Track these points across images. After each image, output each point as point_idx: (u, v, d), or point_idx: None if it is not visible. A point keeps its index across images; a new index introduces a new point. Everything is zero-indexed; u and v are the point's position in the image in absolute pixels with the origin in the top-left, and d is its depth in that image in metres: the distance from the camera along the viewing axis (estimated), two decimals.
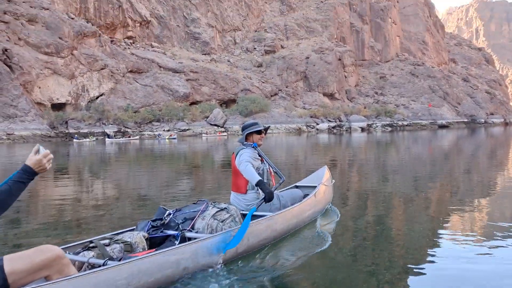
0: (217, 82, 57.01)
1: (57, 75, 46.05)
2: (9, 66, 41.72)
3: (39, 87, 44.79)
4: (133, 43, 59.64)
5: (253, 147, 3.85)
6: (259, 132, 3.96)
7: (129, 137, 40.61)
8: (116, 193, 7.05)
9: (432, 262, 3.13)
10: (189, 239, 3.04)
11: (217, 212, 3.28)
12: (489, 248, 3.45)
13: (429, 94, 76.55)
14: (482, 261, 3.14)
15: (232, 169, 3.97)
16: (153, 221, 3.24)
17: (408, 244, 3.60)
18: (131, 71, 53.07)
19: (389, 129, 58.20)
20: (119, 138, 39.73)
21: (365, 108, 65.63)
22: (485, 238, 3.72)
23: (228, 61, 67.22)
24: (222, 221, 3.23)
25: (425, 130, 55.24)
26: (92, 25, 53.46)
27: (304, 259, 3.26)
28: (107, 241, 2.76)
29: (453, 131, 46.80)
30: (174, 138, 36.71)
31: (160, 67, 55.23)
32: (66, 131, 42.83)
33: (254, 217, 3.63)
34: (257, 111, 52.96)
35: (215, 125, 49.80)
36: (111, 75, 50.48)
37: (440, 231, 4.01)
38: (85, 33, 50.23)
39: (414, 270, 2.97)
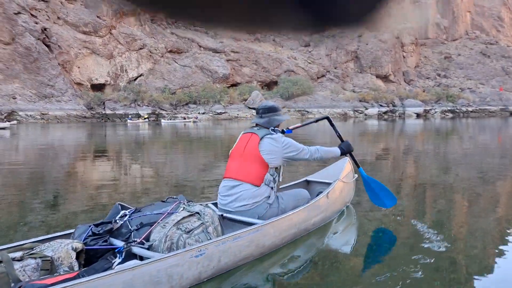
0: (259, 63, 56.32)
1: (96, 55, 47.56)
2: (48, 46, 43.56)
3: (78, 67, 46.52)
4: (176, 22, 60.17)
5: (285, 133, 3.44)
6: None
7: (184, 119, 42.91)
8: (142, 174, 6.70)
9: (500, 270, 2.66)
10: (141, 258, 2.24)
11: (184, 218, 2.46)
12: None
13: (502, 77, 71.10)
14: None
15: (237, 152, 3.19)
16: (97, 225, 2.45)
17: (471, 249, 3.03)
18: (170, 51, 53.72)
19: (450, 115, 54.89)
20: (174, 120, 42.30)
21: (424, 91, 62.25)
22: None
23: (274, 40, 66.10)
24: (188, 232, 2.42)
25: (494, 117, 51.47)
26: (132, 3, 54.34)
27: (301, 277, 2.49)
28: (18, 254, 2.04)
29: None
30: (195, 121, 38.71)
31: (200, 46, 55.44)
32: (103, 112, 44.32)
33: (237, 225, 2.92)
34: (299, 94, 51.73)
35: (253, 108, 49.35)
36: (150, 55, 51.39)
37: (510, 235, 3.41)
38: (124, 12, 51.30)
39: (479, 280, 2.51)
